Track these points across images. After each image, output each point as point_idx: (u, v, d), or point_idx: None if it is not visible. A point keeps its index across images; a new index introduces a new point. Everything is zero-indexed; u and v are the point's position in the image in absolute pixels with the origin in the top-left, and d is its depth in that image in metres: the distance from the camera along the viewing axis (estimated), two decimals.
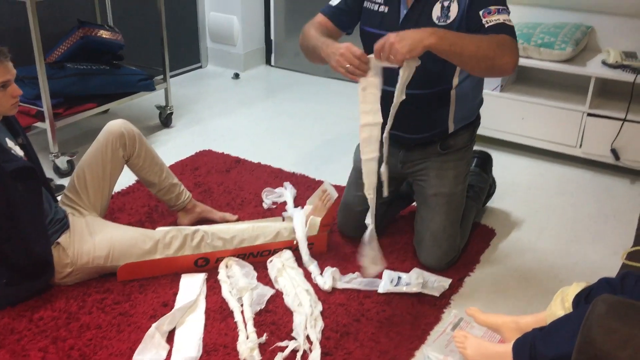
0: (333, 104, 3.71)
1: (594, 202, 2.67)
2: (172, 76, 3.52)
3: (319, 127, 3.39)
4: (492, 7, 1.83)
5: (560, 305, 1.49)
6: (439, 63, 1.80)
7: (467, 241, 2.27)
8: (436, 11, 1.92)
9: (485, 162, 2.52)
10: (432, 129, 2.09)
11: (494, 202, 2.58)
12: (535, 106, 2.95)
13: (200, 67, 4.38)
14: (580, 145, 2.89)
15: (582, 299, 1.43)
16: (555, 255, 2.29)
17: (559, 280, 2.12)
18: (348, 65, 1.77)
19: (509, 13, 1.86)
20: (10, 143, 1.91)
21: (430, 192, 2.12)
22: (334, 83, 4.05)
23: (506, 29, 1.82)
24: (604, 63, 2.84)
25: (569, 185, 2.81)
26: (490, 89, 3.01)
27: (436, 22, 1.92)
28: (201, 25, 4.28)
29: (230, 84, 4.08)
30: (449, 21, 1.90)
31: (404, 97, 1.80)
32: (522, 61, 2.91)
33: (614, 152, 2.80)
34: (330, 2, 2.12)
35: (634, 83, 2.70)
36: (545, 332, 1.37)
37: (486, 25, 1.82)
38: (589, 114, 2.83)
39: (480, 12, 1.83)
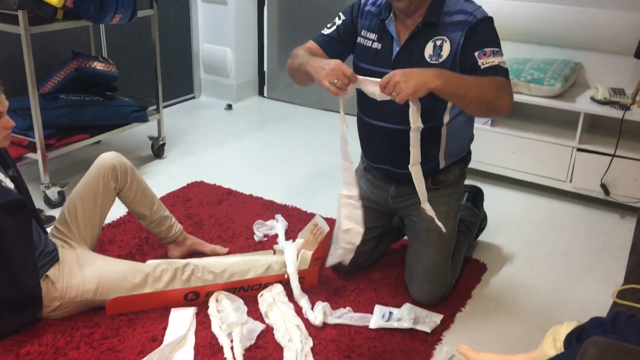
0: (325, 135, 3.73)
1: (585, 236, 2.68)
2: (165, 106, 3.54)
3: (311, 159, 3.40)
4: (488, 49, 1.85)
5: (551, 345, 1.48)
6: (431, 100, 1.81)
7: (458, 276, 2.27)
8: (428, 49, 1.93)
9: (477, 196, 2.53)
10: (422, 164, 2.10)
11: (485, 236, 2.58)
12: (525, 141, 2.98)
13: (194, 97, 4.40)
14: (571, 180, 2.92)
15: (574, 339, 1.42)
16: (546, 290, 2.29)
17: (550, 317, 2.12)
18: (336, 81, 1.78)
19: (502, 55, 1.89)
20: (0, 175, 1.91)
21: (421, 227, 2.12)
22: (326, 115, 4.08)
23: (501, 71, 1.85)
24: (593, 99, 2.88)
25: (560, 220, 2.82)
26: (481, 124, 3.04)
27: (428, 60, 1.94)
28: (195, 57, 4.32)
29: (223, 115, 4.10)
30: (441, 60, 1.92)
31: (420, 125, 1.79)
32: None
33: (603, 187, 2.83)
34: (323, 31, 2.14)
35: (622, 119, 2.74)
36: None
37: (482, 67, 1.84)
38: (579, 149, 2.86)
39: (476, 53, 1.85)
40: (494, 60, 1.84)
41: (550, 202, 2.98)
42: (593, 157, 2.84)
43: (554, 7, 3.05)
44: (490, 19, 1.92)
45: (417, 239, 2.14)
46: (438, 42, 1.92)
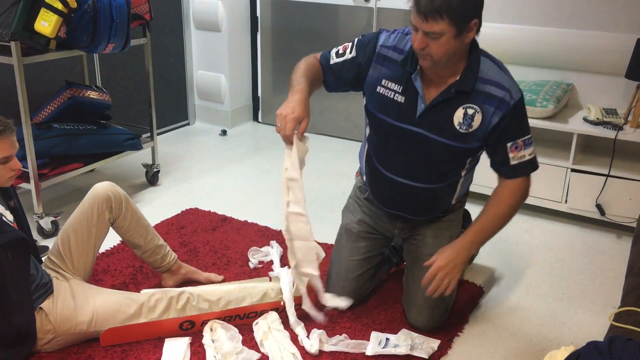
0: (321, 160, 3.74)
1: (582, 257, 2.67)
2: (159, 133, 3.55)
3: (306, 185, 3.37)
4: (519, 140, 1.84)
5: None
6: (451, 163, 1.88)
7: (455, 300, 2.25)
8: (458, 116, 1.84)
9: (466, 219, 2.50)
10: (438, 210, 2.11)
11: (481, 259, 2.57)
12: None
13: (188, 124, 4.41)
14: (566, 201, 2.92)
15: None
16: (544, 313, 2.27)
17: (548, 340, 2.10)
18: (279, 124, 1.71)
19: (531, 140, 1.87)
20: (0, 208, 1.89)
21: (426, 252, 2.06)
22: (322, 139, 4.09)
23: (529, 167, 1.88)
24: (586, 120, 2.89)
25: (556, 241, 2.81)
26: None
27: (457, 127, 1.85)
28: (189, 83, 4.34)
29: (218, 141, 4.10)
30: (471, 130, 1.84)
31: None
32: None
33: (599, 207, 2.83)
34: (332, 53, 1.98)
35: (616, 139, 2.75)
36: None
37: (511, 163, 1.86)
38: (573, 170, 2.87)
39: (508, 145, 1.84)
40: (524, 155, 1.85)
41: (546, 223, 2.97)
42: (587, 177, 2.84)
43: (545, 29, 3.08)
44: (523, 100, 1.84)
45: (418, 264, 2.09)
46: (470, 112, 1.82)
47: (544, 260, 2.64)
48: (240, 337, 2.03)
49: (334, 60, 1.98)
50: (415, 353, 1.98)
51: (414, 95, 1.87)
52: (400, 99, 1.90)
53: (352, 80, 1.98)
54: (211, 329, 2.04)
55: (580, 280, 2.49)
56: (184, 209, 2.99)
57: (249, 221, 2.88)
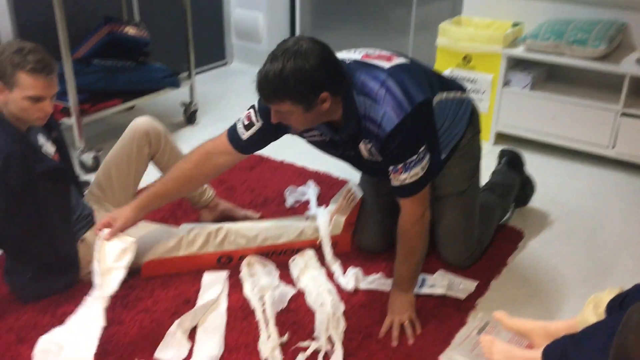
0: None
1: (627, 204, 2.59)
2: (197, 73, 3.52)
3: None
4: (399, 165, 1.72)
5: (592, 312, 1.44)
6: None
7: (492, 242, 2.22)
8: (364, 150, 1.82)
9: (515, 160, 2.46)
10: None
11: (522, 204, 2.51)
12: (566, 105, 2.88)
13: (226, 64, 4.37)
14: (614, 146, 2.81)
15: (617, 306, 1.38)
16: (585, 259, 2.22)
17: (589, 286, 2.06)
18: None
19: (418, 158, 1.71)
20: (42, 139, 1.91)
21: (437, 193, 2.02)
22: None
23: (411, 189, 1.75)
24: (639, 61, 2.75)
25: (601, 187, 2.73)
26: (521, 87, 2.94)
27: (369, 158, 1.84)
28: (227, 22, 4.27)
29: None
30: (380, 160, 1.80)
31: None
32: (554, 59, 2.85)
33: None
34: (239, 128, 1.90)
35: None
36: (577, 339, 1.32)
37: (394, 185, 1.77)
38: (623, 114, 2.75)
39: (390, 169, 1.75)
40: (405, 178, 1.73)
41: (591, 169, 2.88)
42: (638, 122, 2.72)
43: None
44: (400, 127, 1.67)
45: (437, 203, 2.03)
46: (368, 146, 1.79)
47: (588, 206, 2.57)
48: (277, 272, 2.05)
49: (245, 134, 1.90)
50: (452, 294, 1.97)
51: (330, 131, 1.83)
52: (325, 138, 1.88)
53: (277, 136, 1.93)
54: (248, 264, 2.06)
55: (625, 227, 2.42)
56: None
57: (286, 161, 2.87)
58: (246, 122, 1.90)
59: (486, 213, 2.17)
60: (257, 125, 1.88)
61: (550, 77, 3.10)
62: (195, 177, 1.97)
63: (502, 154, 2.53)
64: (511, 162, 2.45)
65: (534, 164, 2.86)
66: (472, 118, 2.02)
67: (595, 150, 2.87)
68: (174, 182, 1.95)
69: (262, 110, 1.85)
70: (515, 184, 2.39)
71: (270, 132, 1.89)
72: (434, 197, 2.06)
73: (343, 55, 1.80)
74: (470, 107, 2.01)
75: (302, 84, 1.57)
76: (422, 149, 1.71)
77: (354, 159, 1.95)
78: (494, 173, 2.48)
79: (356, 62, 1.78)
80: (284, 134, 1.92)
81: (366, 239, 2.18)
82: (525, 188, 2.46)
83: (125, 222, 1.86)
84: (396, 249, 1.86)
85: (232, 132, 1.94)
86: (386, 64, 1.76)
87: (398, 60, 1.79)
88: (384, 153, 1.75)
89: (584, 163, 2.92)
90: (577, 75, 3.05)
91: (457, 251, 2.07)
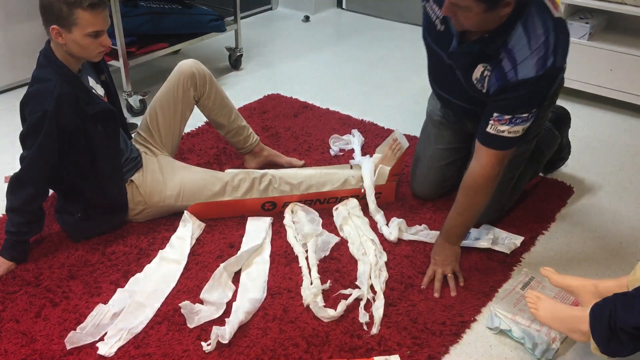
0: (405, 50, 3.58)
1: None
2: (242, 17, 3.47)
3: (389, 74, 3.28)
4: (507, 116, 1.64)
5: None
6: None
7: (541, 197, 2.15)
8: (476, 72, 1.74)
9: (561, 118, 2.31)
10: None
11: (573, 159, 2.42)
12: (625, 57, 2.74)
13: (271, 9, 4.30)
14: None
15: None
16: (637, 217, 2.16)
17: None
18: None
19: (525, 121, 1.66)
20: (92, 81, 1.93)
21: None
22: (407, 28, 3.90)
23: (502, 143, 1.69)
24: None
25: None
26: (577, 37, 2.81)
27: (474, 82, 1.76)
28: None
29: (301, 27, 4.00)
30: (484, 90, 1.74)
31: None
32: (614, 7, 2.70)
33: None
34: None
35: None
36: (628, 298, 1.29)
37: (487, 129, 1.69)
38: None
39: (494, 114, 1.66)
40: (504, 130, 1.66)
41: None
42: None
43: None
44: (533, 80, 1.61)
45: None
46: (485, 73, 1.71)
47: None
48: (320, 220, 2.05)
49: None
50: (497, 248, 1.94)
51: (449, 29, 1.73)
52: (439, 26, 1.78)
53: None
54: (292, 211, 2.07)
55: None
56: (266, 94, 2.98)
57: (331, 109, 2.83)
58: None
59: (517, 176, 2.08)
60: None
61: (609, 27, 2.95)
62: None
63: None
64: (557, 121, 2.33)
65: (587, 118, 2.76)
66: (557, 90, 1.95)
67: None
68: None
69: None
70: (554, 144, 2.25)
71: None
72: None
73: None
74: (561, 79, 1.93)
75: None
76: (535, 110, 1.66)
77: (451, 77, 1.85)
78: None
79: None
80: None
81: (423, 186, 2.16)
82: (561, 151, 2.33)
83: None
84: (456, 199, 1.80)
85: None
86: (554, 12, 1.67)
87: (558, 13, 1.70)
88: (498, 95, 1.68)
89: None
90: (638, 26, 2.89)
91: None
